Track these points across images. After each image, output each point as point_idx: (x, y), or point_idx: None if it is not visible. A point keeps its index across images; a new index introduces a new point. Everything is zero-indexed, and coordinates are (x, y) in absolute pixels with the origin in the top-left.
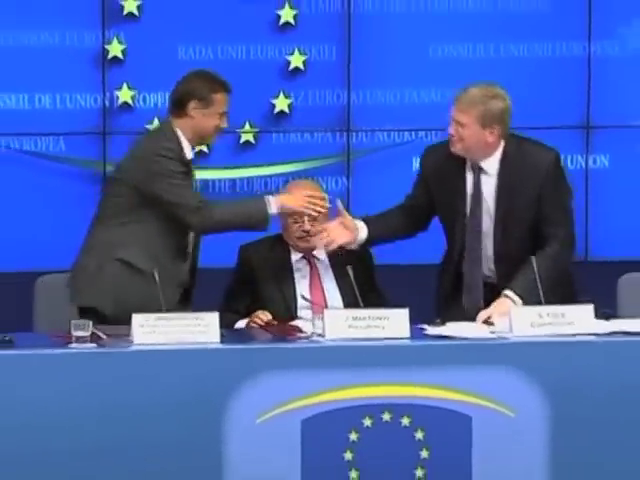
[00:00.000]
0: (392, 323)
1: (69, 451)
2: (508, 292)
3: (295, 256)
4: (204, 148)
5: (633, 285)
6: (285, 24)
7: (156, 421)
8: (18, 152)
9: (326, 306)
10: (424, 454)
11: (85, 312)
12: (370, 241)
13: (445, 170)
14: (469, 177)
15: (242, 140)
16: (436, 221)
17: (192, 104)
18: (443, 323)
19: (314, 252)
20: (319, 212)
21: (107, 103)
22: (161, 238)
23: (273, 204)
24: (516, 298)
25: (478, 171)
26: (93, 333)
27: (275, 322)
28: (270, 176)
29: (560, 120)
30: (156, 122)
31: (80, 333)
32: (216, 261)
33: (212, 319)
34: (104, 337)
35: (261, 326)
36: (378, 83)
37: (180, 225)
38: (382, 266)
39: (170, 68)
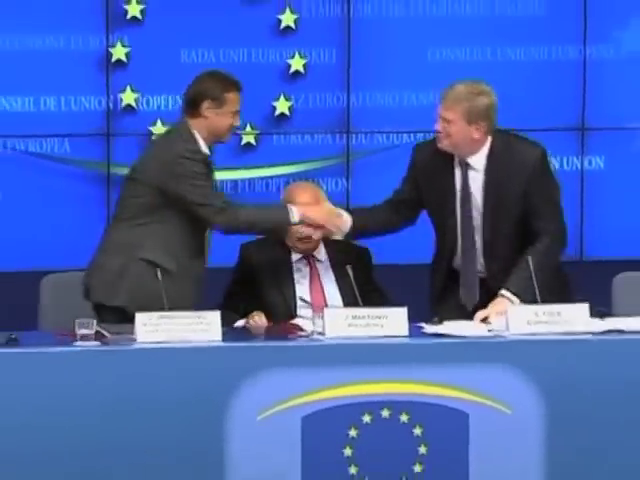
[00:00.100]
0: (391, 322)
1: (73, 448)
2: (504, 292)
3: (295, 256)
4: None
5: (627, 284)
6: (286, 28)
7: (158, 418)
8: (24, 153)
9: (326, 306)
10: (422, 450)
11: (101, 310)
12: (355, 232)
13: (434, 166)
14: (457, 173)
15: (243, 142)
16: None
17: (206, 104)
18: (440, 321)
19: (314, 253)
20: (338, 229)
21: (111, 105)
22: (181, 237)
23: (296, 213)
24: (513, 298)
25: (465, 167)
26: (97, 331)
27: (270, 324)
28: (271, 177)
29: (556, 122)
30: (159, 124)
31: (84, 331)
32: (216, 261)
33: (214, 318)
34: (108, 335)
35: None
36: (377, 86)
37: (199, 224)
38: (380, 265)
39: (173, 71)
